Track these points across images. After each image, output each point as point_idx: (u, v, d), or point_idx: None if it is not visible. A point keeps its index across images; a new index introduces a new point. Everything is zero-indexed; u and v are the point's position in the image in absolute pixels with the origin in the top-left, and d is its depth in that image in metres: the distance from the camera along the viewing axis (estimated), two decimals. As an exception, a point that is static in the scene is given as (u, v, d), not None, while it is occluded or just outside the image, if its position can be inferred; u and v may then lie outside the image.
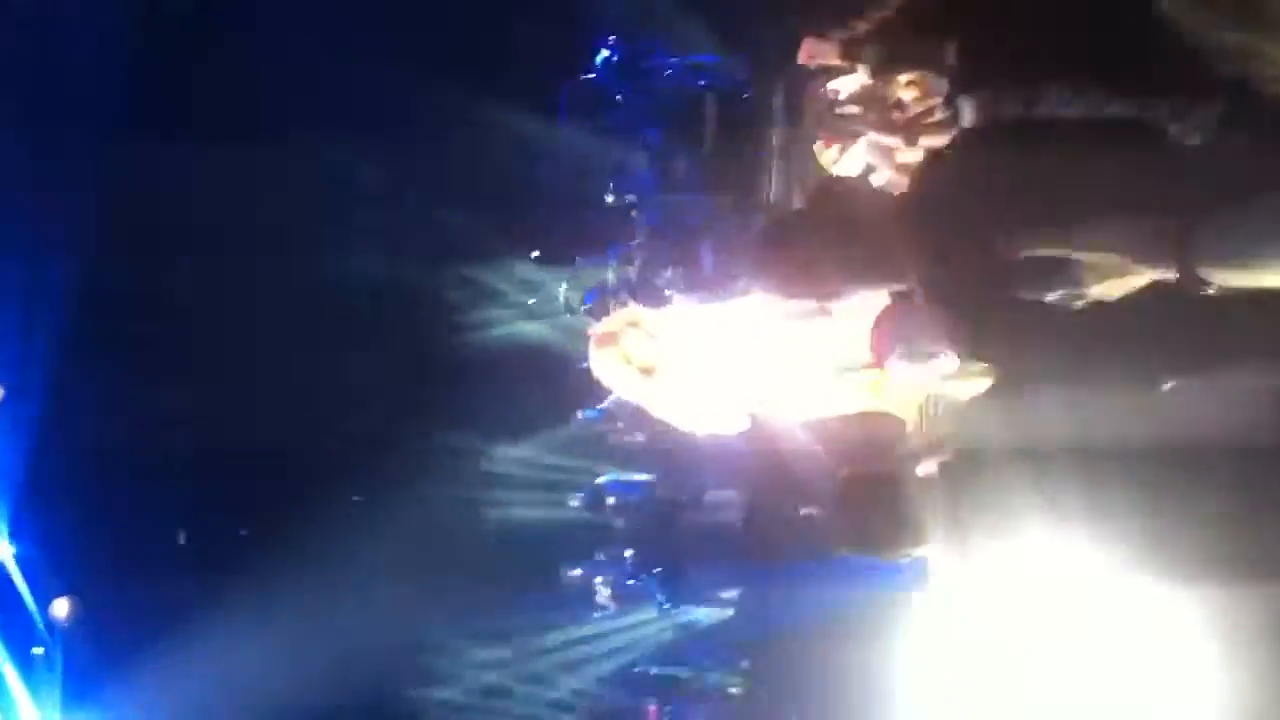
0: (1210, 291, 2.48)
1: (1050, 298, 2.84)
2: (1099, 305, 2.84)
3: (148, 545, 10.65)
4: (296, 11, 10.20)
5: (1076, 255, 2.80)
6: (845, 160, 5.10)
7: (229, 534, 10.94)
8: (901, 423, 4.31)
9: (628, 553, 10.56)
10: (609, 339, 4.72)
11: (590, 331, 4.83)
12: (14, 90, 9.79)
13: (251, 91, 10.42)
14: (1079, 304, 2.86)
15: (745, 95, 9.81)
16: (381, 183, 10.90)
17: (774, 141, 9.14)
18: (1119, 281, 2.84)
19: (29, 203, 9.78)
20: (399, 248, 10.96)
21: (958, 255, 3.06)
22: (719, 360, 4.45)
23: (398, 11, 10.43)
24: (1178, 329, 2.81)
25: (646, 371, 4.69)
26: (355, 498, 11.16)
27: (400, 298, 11.34)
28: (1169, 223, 2.60)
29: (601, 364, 4.71)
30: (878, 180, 4.93)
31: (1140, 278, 2.77)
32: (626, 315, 4.91)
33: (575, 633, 11.34)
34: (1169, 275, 2.60)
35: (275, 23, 10.13)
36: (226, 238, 10.57)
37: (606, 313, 10.85)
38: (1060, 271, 2.80)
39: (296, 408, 10.74)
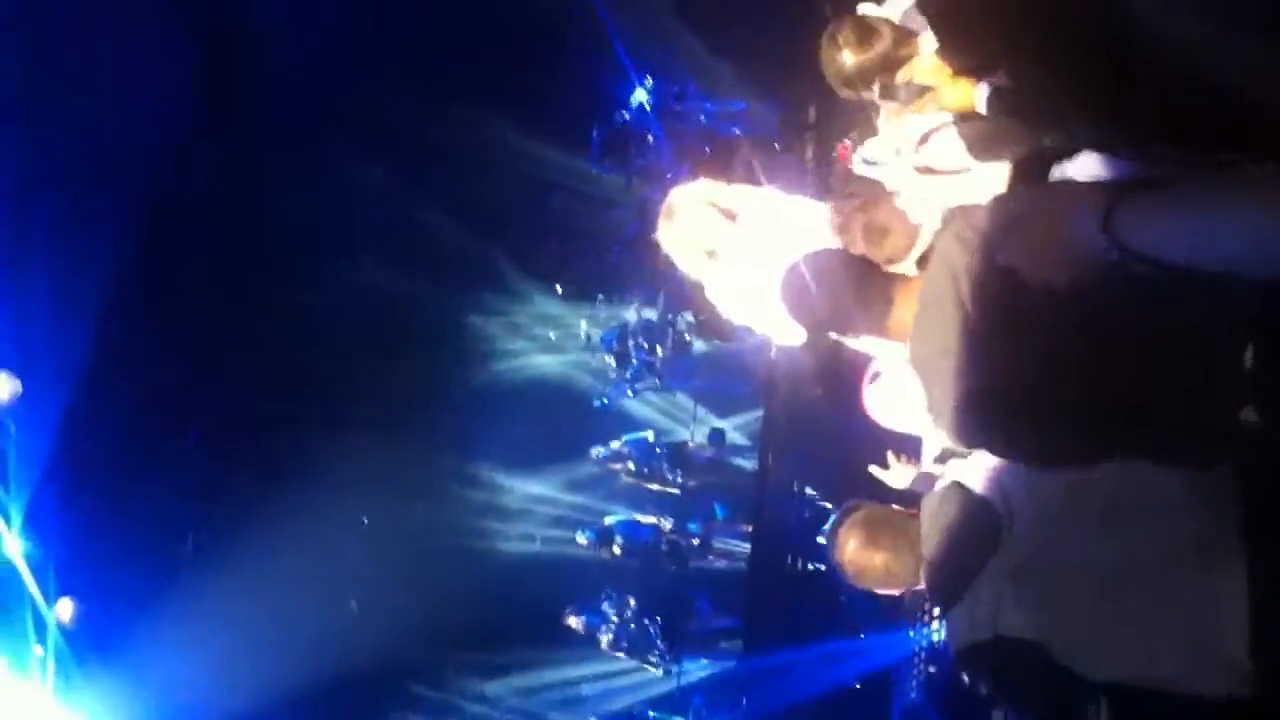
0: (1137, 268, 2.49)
1: None
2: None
3: (157, 547, 10.66)
4: (334, 35, 10.27)
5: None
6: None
7: (235, 541, 10.93)
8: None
9: (630, 601, 10.44)
10: (676, 212, 4.46)
11: (666, 200, 4.59)
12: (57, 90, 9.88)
13: (288, 117, 10.51)
14: None
15: (776, 143, 9.79)
16: (413, 211, 10.93)
17: (805, 190, 9.12)
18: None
19: (62, 206, 9.87)
20: (425, 275, 10.98)
21: None
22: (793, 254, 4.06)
23: (437, 45, 10.49)
24: None
25: (712, 254, 4.45)
26: (364, 519, 11.14)
27: (423, 325, 11.37)
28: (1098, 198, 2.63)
29: (668, 238, 4.46)
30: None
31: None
32: (702, 189, 4.63)
33: (573, 672, 11.25)
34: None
35: (312, 46, 10.20)
36: (251, 249, 10.63)
37: (626, 355, 10.95)
38: None
39: (311, 424, 10.75)
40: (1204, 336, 2.79)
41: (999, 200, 3.27)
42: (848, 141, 7.10)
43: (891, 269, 3.92)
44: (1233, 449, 2.92)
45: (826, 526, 3.79)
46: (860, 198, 5.40)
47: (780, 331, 4.53)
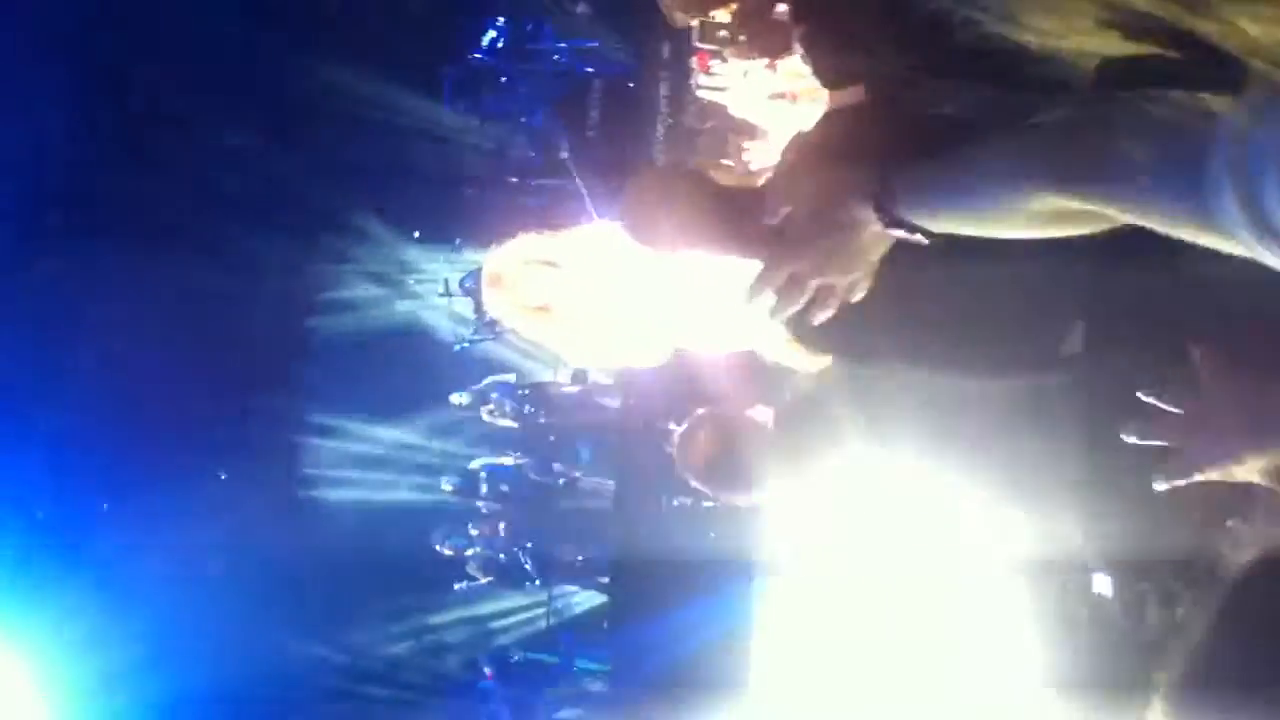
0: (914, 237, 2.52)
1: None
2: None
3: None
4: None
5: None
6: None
7: (90, 508, 10.67)
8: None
9: (500, 527, 10.52)
10: (500, 279, 4.41)
11: (484, 268, 4.54)
12: None
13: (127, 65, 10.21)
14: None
15: (630, 83, 9.82)
16: (259, 158, 10.69)
17: (659, 128, 9.18)
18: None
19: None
20: (276, 224, 10.76)
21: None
22: (631, 287, 4.08)
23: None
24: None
25: (545, 310, 4.41)
26: (221, 475, 10.96)
27: (276, 274, 11.16)
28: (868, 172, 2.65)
29: (499, 308, 4.42)
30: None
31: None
32: (520, 249, 4.57)
33: (446, 614, 11.29)
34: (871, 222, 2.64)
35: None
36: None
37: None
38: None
39: (165, 381, 10.52)
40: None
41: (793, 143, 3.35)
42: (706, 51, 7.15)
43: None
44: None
45: (676, 430, 3.87)
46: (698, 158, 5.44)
47: (634, 354, 4.53)
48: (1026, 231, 2.39)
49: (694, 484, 3.89)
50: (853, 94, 4.26)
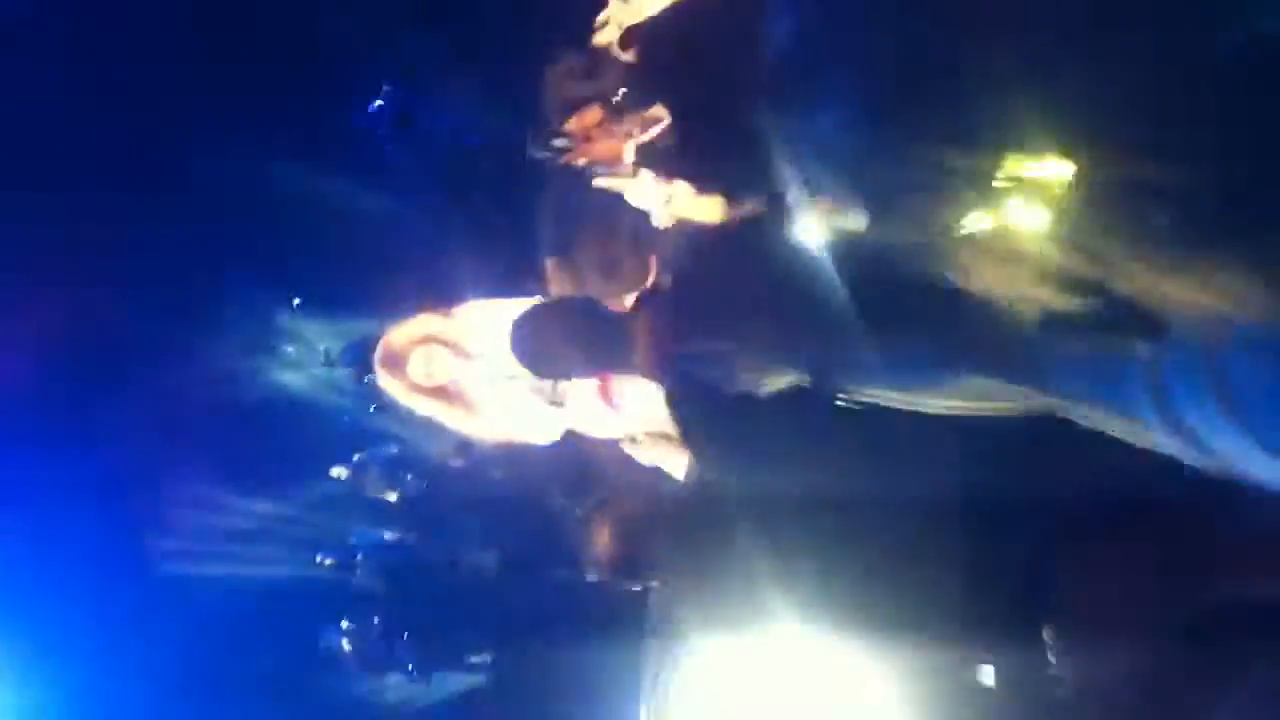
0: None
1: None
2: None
3: None
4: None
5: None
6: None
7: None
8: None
9: (375, 617, 10.28)
10: (396, 360, 4.36)
11: (379, 348, 4.45)
12: None
13: None
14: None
15: (519, 155, 9.77)
16: (136, 232, 10.44)
17: (549, 201, 9.15)
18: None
19: None
20: (151, 291, 10.51)
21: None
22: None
23: (160, 46, 10.07)
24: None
25: (441, 391, 4.37)
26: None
27: (152, 342, 10.87)
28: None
29: (398, 390, 4.36)
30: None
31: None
32: (416, 329, 4.53)
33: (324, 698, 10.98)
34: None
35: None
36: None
37: (369, 368, 10.74)
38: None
39: (31, 442, 10.20)
40: None
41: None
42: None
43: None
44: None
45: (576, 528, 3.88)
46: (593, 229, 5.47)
47: (528, 432, 4.54)
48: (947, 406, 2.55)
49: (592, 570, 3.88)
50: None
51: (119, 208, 10.43)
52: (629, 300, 4.37)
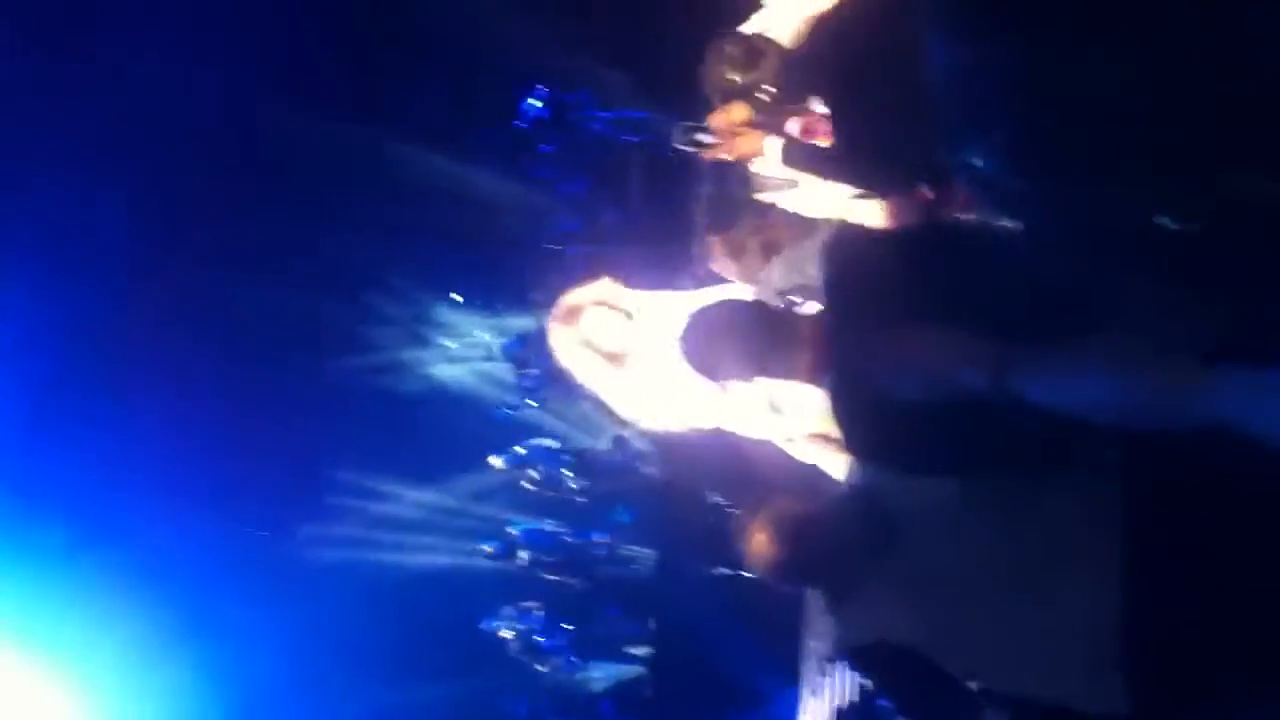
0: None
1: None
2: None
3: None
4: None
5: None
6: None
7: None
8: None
9: (536, 609, 10.42)
10: (574, 317, 4.35)
11: (559, 304, 4.45)
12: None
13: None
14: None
15: (671, 153, 9.80)
16: (304, 227, 10.73)
17: (701, 198, 9.16)
18: None
19: None
20: (322, 289, 10.80)
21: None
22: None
23: (322, 49, 10.33)
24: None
25: (612, 358, 4.35)
26: (263, 533, 10.95)
27: (319, 339, 11.18)
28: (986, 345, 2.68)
29: (566, 342, 4.35)
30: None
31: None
32: (596, 290, 4.53)
33: (482, 683, 11.18)
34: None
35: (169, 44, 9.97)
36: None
37: (529, 362, 10.94)
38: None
39: (200, 433, 10.55)
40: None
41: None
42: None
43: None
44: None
45: (734, 527, 3.85)
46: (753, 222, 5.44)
47: (686, 418, 4.50)
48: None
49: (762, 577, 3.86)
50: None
51: (291, 206, 10.75)
52: (792, 296, 4.37)
